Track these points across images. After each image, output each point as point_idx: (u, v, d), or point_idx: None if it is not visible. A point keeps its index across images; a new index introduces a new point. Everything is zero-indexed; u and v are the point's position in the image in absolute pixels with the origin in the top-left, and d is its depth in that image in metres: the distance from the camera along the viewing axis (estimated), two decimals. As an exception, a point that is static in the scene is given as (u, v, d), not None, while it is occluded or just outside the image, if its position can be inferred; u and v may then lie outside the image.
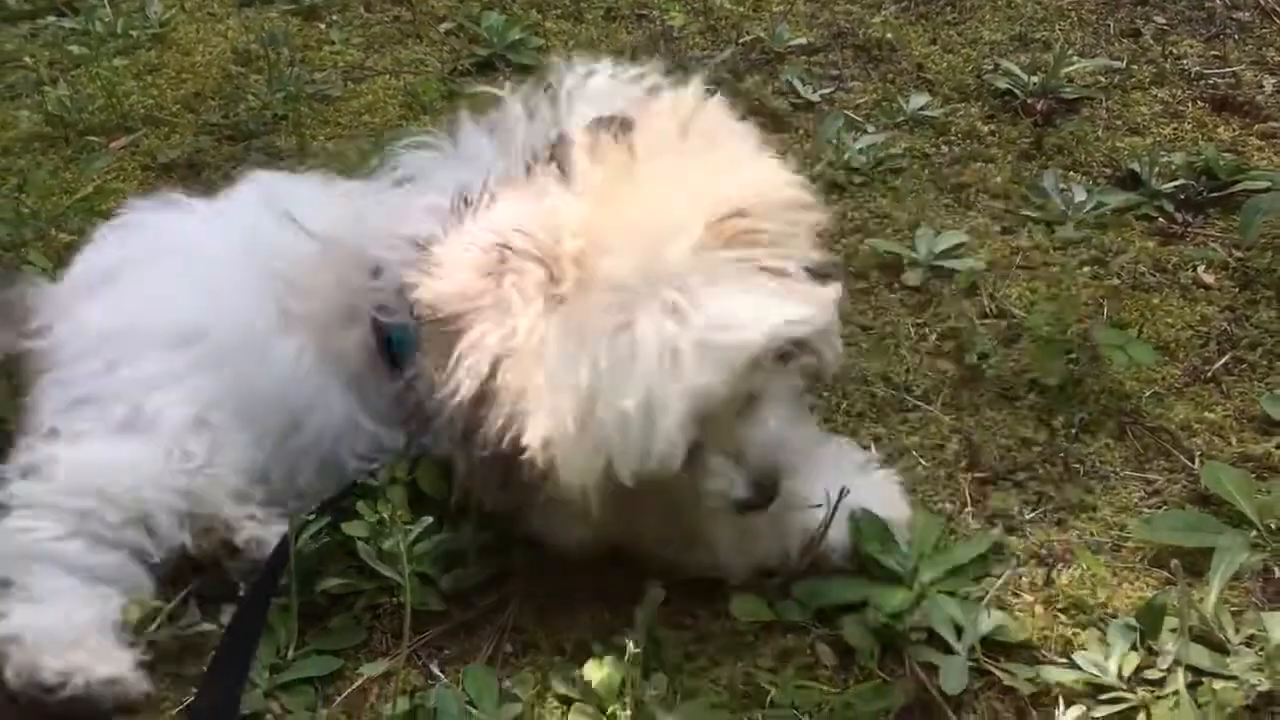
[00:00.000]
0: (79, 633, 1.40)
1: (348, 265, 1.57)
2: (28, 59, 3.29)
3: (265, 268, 1.58)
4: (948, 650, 1.40)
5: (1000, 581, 1.47)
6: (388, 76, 3.06)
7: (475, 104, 1.64)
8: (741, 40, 2.97)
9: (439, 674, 1.45)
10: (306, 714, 1.38)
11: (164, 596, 1.51)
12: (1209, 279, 1.97)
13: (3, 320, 1.66)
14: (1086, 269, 2.03)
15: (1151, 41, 2.75)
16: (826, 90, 2.71)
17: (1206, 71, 2.59)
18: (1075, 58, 2.66)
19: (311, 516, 1.51)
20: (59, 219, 2.45)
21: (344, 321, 1.57)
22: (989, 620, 1.41)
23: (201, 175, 2.63)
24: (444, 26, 3.31)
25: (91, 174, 2.69)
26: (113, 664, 1.40)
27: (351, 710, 1.41)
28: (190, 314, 1.58)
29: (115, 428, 1.52)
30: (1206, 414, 1.72)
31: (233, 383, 1.54)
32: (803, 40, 2.95)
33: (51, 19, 3.65)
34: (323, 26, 3.43)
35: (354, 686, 1.43)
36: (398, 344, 1.52)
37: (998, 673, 1.37)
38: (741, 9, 3.21)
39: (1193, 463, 1.64)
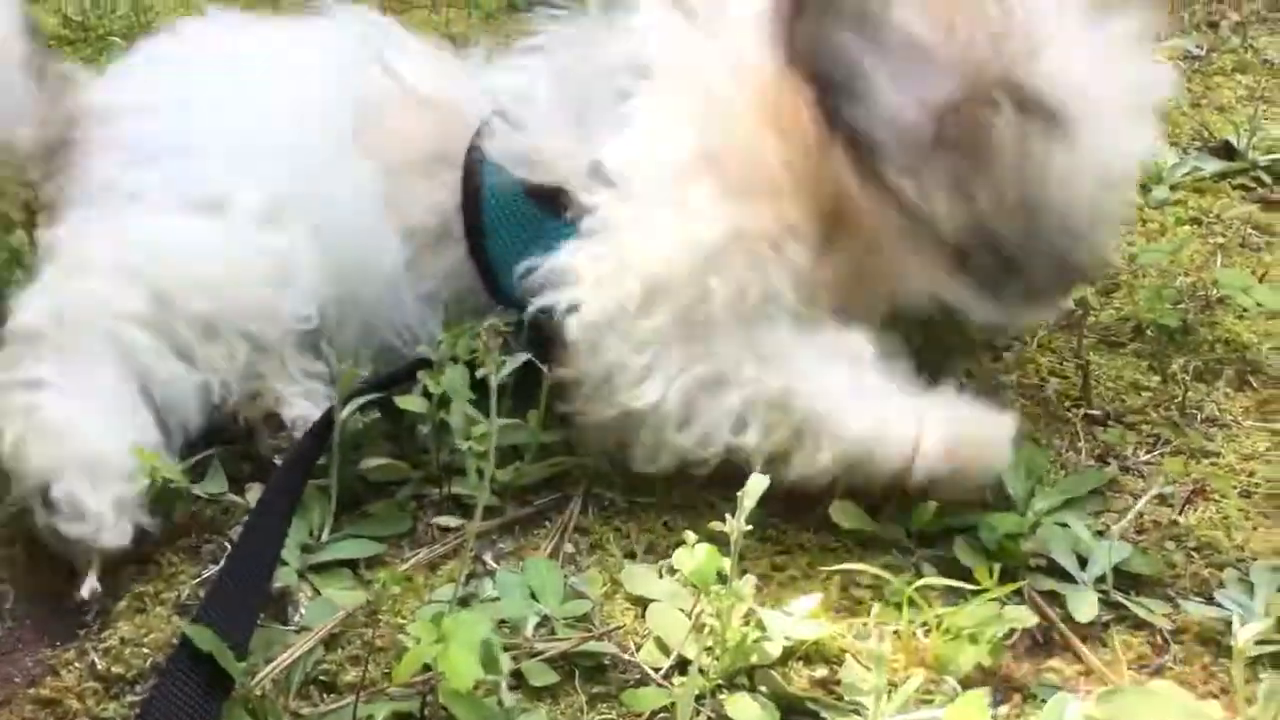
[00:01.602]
0: (91, 453, 1.22)
1: (443, 114, 1.46)
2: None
3: (349, 91, 1.44)
4: (1069, 580, 1.25)
5: (1131, 515, 1.31)
6: (427, 11, 2.92)
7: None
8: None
9: (493, 564, 1.27)
10: (347, 593, 1.20)
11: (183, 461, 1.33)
12: (1320, 244, 1.85)
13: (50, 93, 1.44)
14: (1188, 227, 1.90)
15: (1229, 33, 2.66)
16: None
17: (1290, 63, 2.50)
18: (1153, 41, 2.55)
19: (362, 383, 1.34)
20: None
21: (422, 170, 1.43)
22: (1118, 551, 1.25)
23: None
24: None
25: (113, 71, 2.53)
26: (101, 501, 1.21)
27: (395, 595, 1.23)
28: (262, 109, 1.42)
29: (190, 202, 1.34)
30: (1334, 373, 1.58)
31: (302, 192, 1.38)
32: None
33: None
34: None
35: (398, 571, 1.26)
36: (494, 199, 1.39)
37: (1131, 606, 1.22)
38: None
39: (1322, 416, 1.50)
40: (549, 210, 1.40)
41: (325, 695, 1.12)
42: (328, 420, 1.31)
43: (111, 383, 1.27)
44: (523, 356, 1.31)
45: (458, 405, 1.30)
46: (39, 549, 1.26)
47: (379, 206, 1.43)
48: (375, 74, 1.49)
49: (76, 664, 1.16)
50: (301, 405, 1.38)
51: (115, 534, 1.22)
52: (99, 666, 1.15)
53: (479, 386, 1.35)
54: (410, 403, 1.32)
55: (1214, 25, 2.70)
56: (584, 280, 1.33)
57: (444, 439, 1.34)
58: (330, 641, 1.17)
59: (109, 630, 1.20)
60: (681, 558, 1.18)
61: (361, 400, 1.32)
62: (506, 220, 1.41)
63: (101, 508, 1.21)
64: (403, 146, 1.44)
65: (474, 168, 1.42)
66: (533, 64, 1.48)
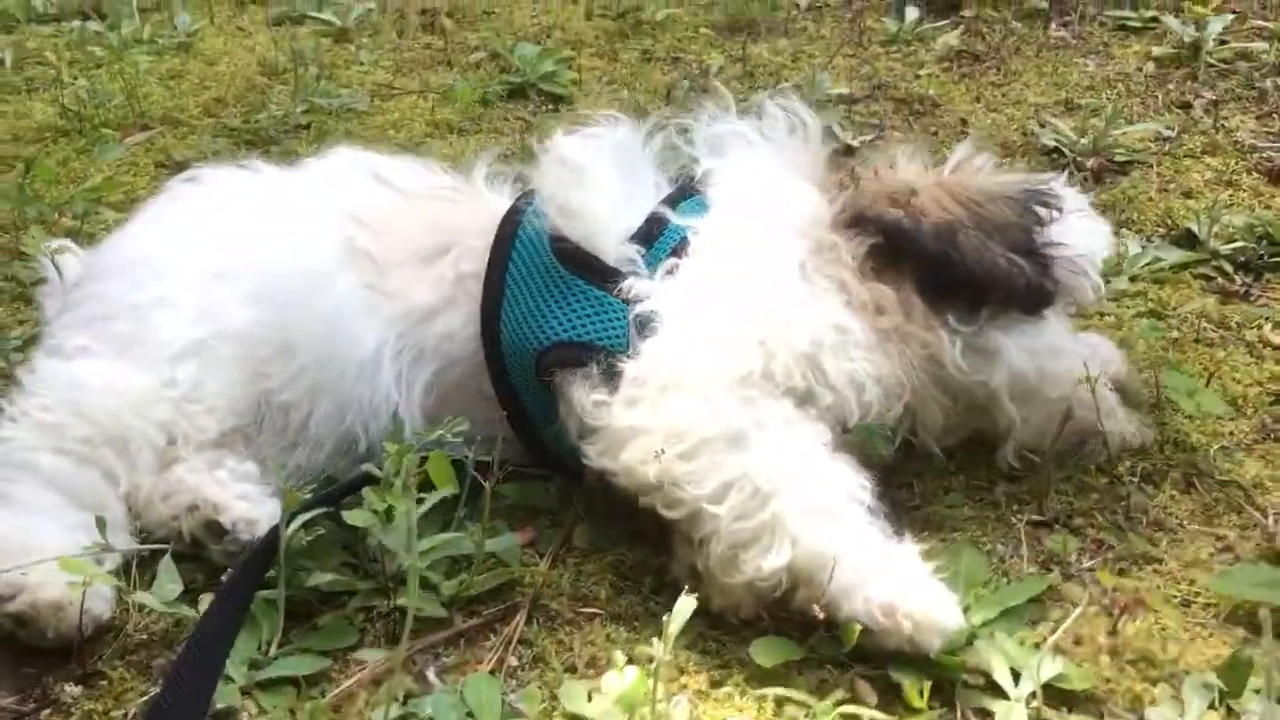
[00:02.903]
0: (38, 549, 1.33)
1: (441, 206, 1.64)
2: (50, 55, 3.23)
3: (339, 212, 1.59)
4: (1003, 695, 1.26)
5: (1065, 626, 1.33)
6: (415, 97, 2.98)
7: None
8: (779, 86, 2.90)
9: (436, 681, 1.30)
10: (286, 715, 1.23)
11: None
12: (1276, 338, 1.86)
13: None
14: (1145, 320, 1.92)
15: (1201, 114, 2.68)
16: (867, 137, 2.63)
17: (1260, 145, 2.51)
18: (1124, 124, 2.58)
19: (308, 497, 1.37)
20: (64, 205, 2.34)
21: (423, 257, 1.58)
22: (1051, 666, 1.27)
23: (216, 176, 2.54)
24: (474, 55, 3.26)
25: (103, 164, 2.62)
26: (59, 591, 1.31)
27: (338, 715, 1.25)
28: (238, 247, 1.58)
29: (114, 348, 1.50)
30: (1279, 472, 1.59)
31: (271, 320, 1.53)
32: (842, 90, 2.88)
33: (77, 22, 3.62)
34: (353, 48, 3.38)
35: (340, 689, 1.28)
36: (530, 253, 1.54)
37: (1060, 723, 1.23)
38: (780, 59, 3.16)
39: (1267, 519, 1.51)
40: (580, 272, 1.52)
41: (261, 820, 1.14)
42: (275, 534, 1.34)
43: (39, 500, 1.42)
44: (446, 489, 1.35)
45: (399, 522, 1.33)
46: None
47: (358, 306, 1.54)
48: (370, 189, 1.65)
49: (23, 787, 1.19)
50: (239, 508, 1.45)
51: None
52: (43, 790, 1.18)
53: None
54: (356, 518, 1.35)
55: (1186, 106, 2.73)
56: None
57: (389, 552, 1.37)
58: (270, 764, 1.19)
59: (55, 751, 1.22)
60: (609, 682, 1.20)
61: (307, 516, 1.35)
62: (531, 276, 1.54)
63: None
64: (402, 243, 1.57)
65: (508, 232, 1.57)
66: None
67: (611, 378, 1.44)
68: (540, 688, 1.29)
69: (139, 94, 2.96)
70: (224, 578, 1.36)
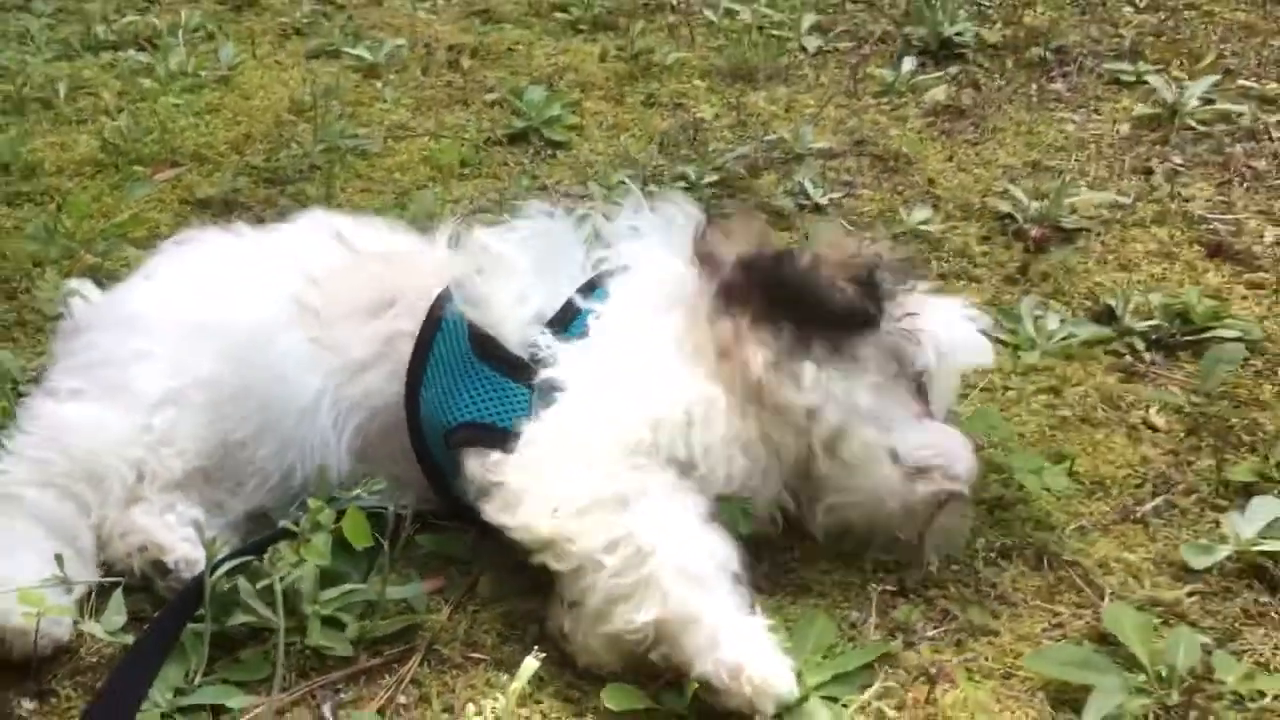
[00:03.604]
0: (9, 579, 1.54)
1: (391, 266, 1.84)
2: (101, 88, 3.49)
3: (295, 270, 1.82)
4: (818, 757, 1.44)
5: (869, 692, 1.50)
6: (426, 139, 3.19)
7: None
8: (766, 138, 3.06)
9: (328, 717, 1.51)
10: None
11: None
12: (1159, 421, 1.98)
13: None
14: (1042, 397, 2.06)
15: (1162, 180, 2.78)
16: (836, 195, 2.78)
17: (1210, 216, 2.62)
18: (1083, 188, 2.71)
19: (229, 549, 1.60)
20: (89, 241, 2.59)
21: (365, 312, 1.79)
22: (860, 730, 1.44)
23: (234, 214, 2.77)
24: (489, 96, 3.45)
25: (130, 202, 2.85)
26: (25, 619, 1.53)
27: (236, 746, 1.48)
28: (210, 304, 1.81)
29: (102, 393, 1.74)
30: (1126, 554, 1.73)
31: (231, 369, 1.76)
32: (824, 144, 3.03)
33: (131, 52, 3.87)
34: (379, 84, 3.58)
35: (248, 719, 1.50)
36: (451, 336, 1.74)
37: (859, 785, 1.40)
38: (774, 108, 3.31)
39: (1101, 600, 1.65)
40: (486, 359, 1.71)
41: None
42: (201, 578, 1.57)
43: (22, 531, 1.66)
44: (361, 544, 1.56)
45: (308, 571, 1.55)
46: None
47: (302, 358, 1.77)
48: (328, 251, 1.88)
49: (-28, 793, 1.42)
50: (182, 549, 1.69)
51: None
52: (-13, 795, 1.41)
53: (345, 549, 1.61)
54: (267, 567, 1.57)
55: (1148, 172, 2.83)
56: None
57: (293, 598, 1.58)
58: (176, 786, 1.41)
59: (4, 759, 1.46)
60: (456, 729, 1.40)
61: (233, 562, 1.57)
62: (449, 357, 1.74)
63: None
64: (347, 299, 1.80)
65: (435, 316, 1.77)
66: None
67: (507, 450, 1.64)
68: (418, 727, 1.50)
69: (174, 129, 3.22)
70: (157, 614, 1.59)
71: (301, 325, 1.79)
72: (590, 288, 1.76)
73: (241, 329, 1.79)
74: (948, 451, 1.67)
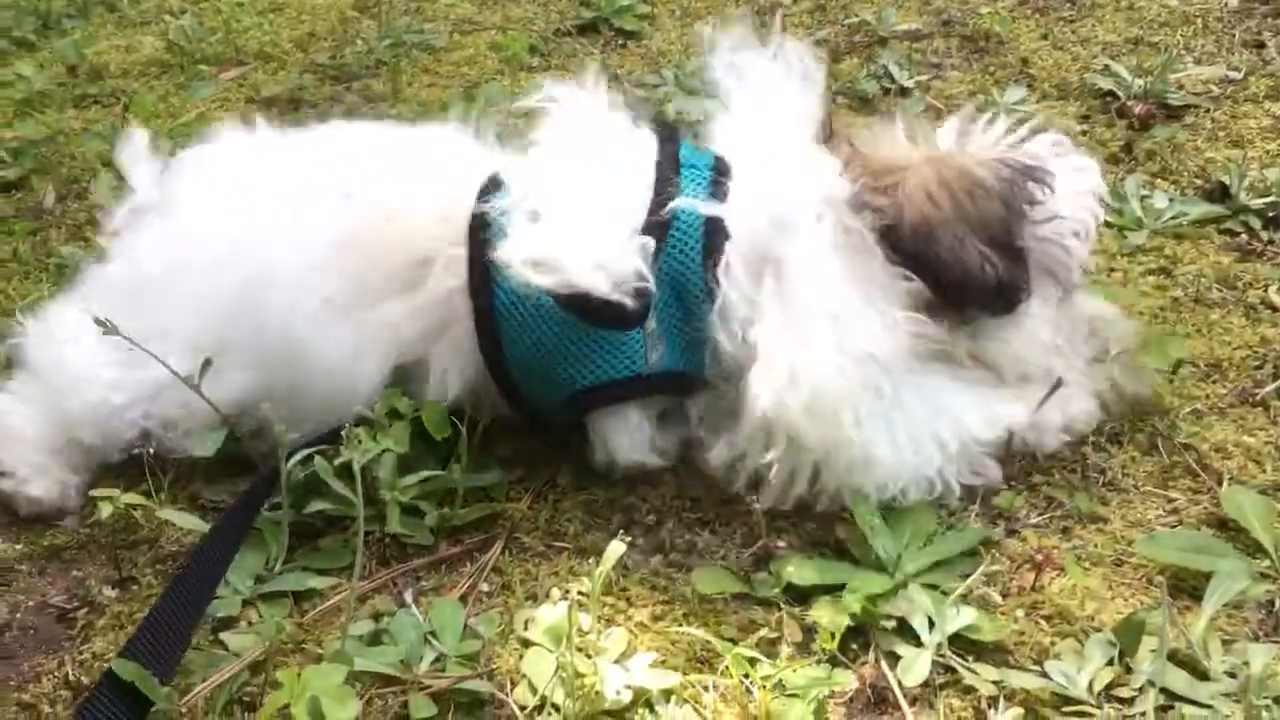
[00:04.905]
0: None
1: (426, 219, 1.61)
2: (164, -12, 3.43)
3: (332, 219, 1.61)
4: (918, 642, 1.37)
5: (972, 578, 1.42)
6: (492, 32, 3.09)
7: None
8: (846, 21, 2.92)
9: (410, 603, 1.47)
10: (275, 624, 1.41)
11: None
12: (1279, 300, 1.86)
13: None
14: (1151, 278, 1.94)
15: (1275, 54, 2.60)
16: (923, 77, 2.64)
17: (1330, 89, 2.44)
18: (1190, 64, 2.54)
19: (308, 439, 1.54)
20: (155, 141, 2.54)
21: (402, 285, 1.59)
22: (961, 616, 1.36)
23: (299, 110, 2.72)
24: (558, -16, 3.33)
25: (196, 101, 2.81)
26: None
27: (319, 626, 1.44)
28: (226, 242, 1.64)
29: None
30: (1246, 438, 1.62)
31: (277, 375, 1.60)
32: (909, 26, 2.88)
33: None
34: (444, -22, 3.47)
35: (328, 604, 1.47)
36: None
37: (962, 671, 1.33)
38: (855, -9, 3.15)
39: (1219, 485, 1.55)
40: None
41: (247, 714, 1.34)
42: (276, 468, 1.52)
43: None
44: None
45: (386, 458, 1.50)
46: (53, 567, 1.54)
47: (346, 352, 1.57)
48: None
49: (55, 673, 1.41)
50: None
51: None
52: (71, 677, 1.40)
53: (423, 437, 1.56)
54: (344, 454, 1.51)
55: (1260, 45, 2.65)
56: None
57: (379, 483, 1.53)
58: (257, 667, 1.38)
59: (87, 644, 1.44)
60: (543, 613, 1.35)
61: (305, 451, 1.52)
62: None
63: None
64: (384, 264, 1.58)
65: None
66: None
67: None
68: (502, 614, 1.45)
69: (237, 28, 3.16)
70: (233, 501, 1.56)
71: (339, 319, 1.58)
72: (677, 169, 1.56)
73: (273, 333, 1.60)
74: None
